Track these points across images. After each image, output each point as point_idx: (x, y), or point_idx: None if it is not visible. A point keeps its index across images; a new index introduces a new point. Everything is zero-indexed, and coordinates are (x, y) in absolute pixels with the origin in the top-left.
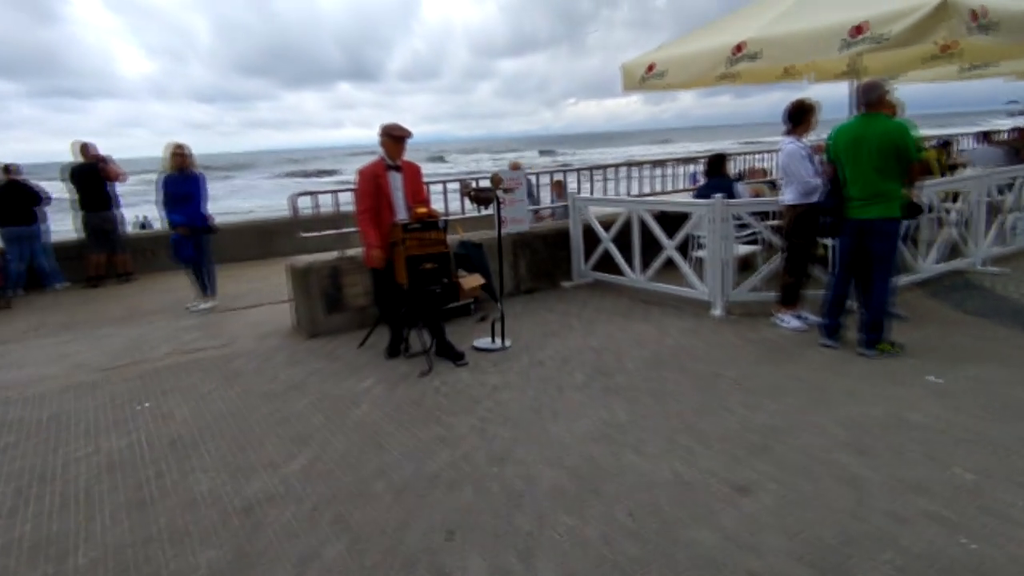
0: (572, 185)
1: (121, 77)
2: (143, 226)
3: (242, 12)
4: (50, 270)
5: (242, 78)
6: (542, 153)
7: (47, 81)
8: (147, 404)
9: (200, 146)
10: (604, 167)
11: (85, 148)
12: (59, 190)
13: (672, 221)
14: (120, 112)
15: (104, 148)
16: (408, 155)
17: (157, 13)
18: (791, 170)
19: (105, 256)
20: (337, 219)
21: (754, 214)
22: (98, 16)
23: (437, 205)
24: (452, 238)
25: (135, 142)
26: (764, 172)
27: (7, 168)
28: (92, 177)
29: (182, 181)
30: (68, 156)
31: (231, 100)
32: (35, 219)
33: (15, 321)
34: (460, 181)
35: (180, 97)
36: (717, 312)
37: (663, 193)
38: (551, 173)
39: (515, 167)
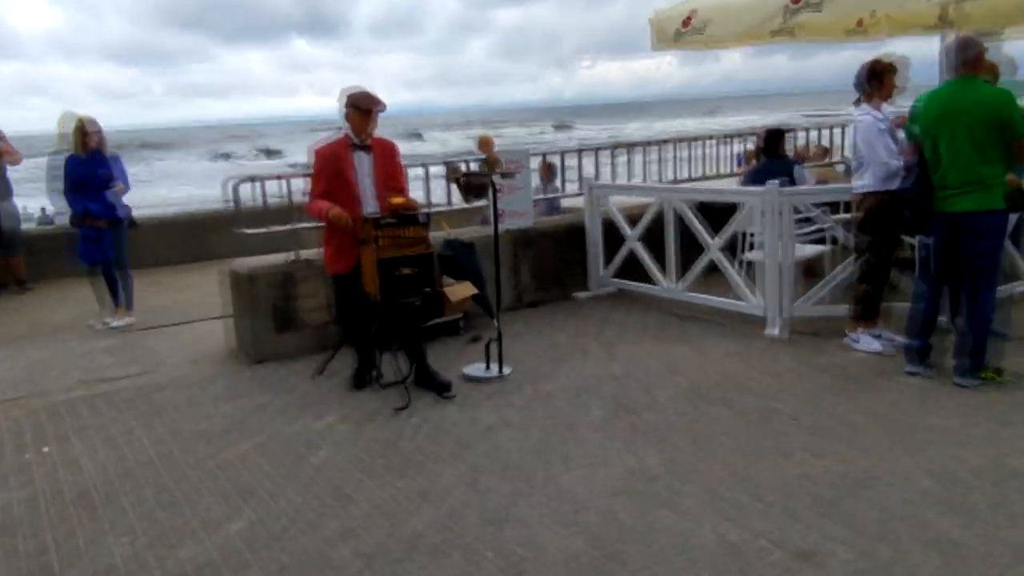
0: (589, 169)
1: (18, 33)
2: (47, 221)
3: None
4: None
5: (171, 33)
6: (557, 128)
7: None
8: (48, 448)
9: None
10: (629, 145)
11: None
12: None
13: (717, 214)
14: (16, 77)
15: None
16: (381, 130)
17: None
18: (866, 149)
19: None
20: (288, 212)
21: (821, 205)
22: None
23: (417, 194)
24: (436, 236)
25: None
26: (824, 152)
27: None
28: None
29: (93, 162)
30: None
31: (157, 61)
32: None
33: None
34: (446, 164)
35: (93, 57)
36: (773, 331)
37: (705, 179)
38: (559, 154)
39: (485, 142)
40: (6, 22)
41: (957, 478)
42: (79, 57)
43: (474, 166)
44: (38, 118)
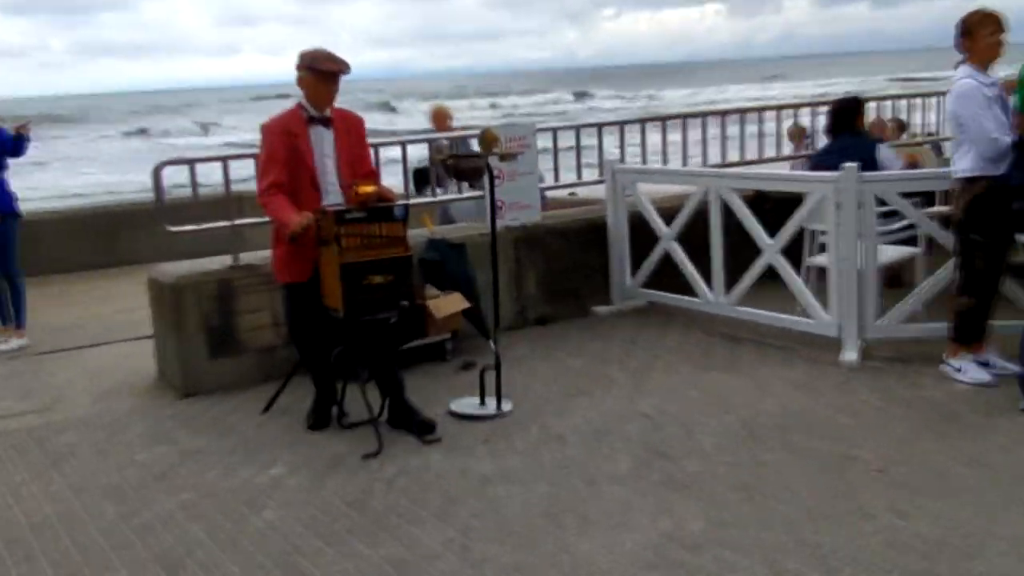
0: (613, 150)
1: None
2: None
3: None
4: None
5: None
6: (577, 96)
7: None
8: None
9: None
10: (664, 119)
11: None
12: None
13: (776, 208)
14: None
15: None
16: (345, 101)
17: None
18: (969, 122)
19: None
20: (228, 204)
21: (910, 196)
22: None
23: (392, 181)
24: (416, 235)
25: None
26: (900, 127)
27: None
28: None
29: None
30: None
31: (58, 10)
32: None
33: None
34: (429, 143)
35: None
36: (850, 356)
37: (759, 162)
38: (574, 129)
39: (439, 116)
40: None
41: None
42: None
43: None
44: None
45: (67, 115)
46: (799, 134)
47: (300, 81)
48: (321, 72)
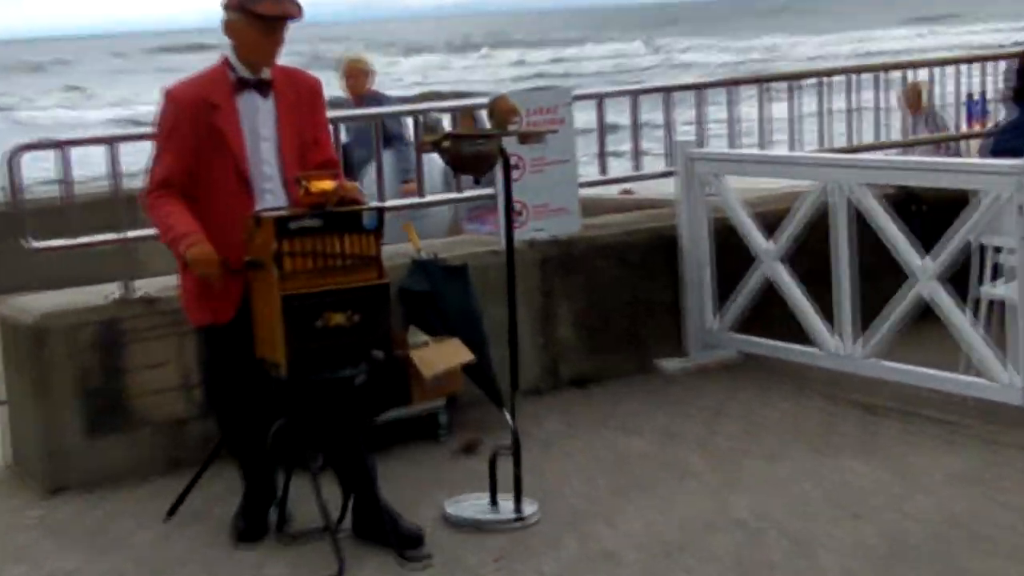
0: (685, 128)
1: None
2: None
3: None
4: None
5: None
6: (648, 47)
7: None
8: None
9: None
10: (761, 81)
11: None
12: None
13: (931, 213)
14: None
15: None
16: (291, 55)
17: None
18: None
19: None
20: (116, 208)
21: None
22: None
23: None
24: (394, 253)
25: None
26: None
27: None
28: None
29: None
30: None
31: None
32: None
33: None
34: (415, 118)
35: None
36: None
37: (904, 145)
38: (630, 96)
39: (353, 72)
40: None
41: None
42: None
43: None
44: None
45: None
46: (916, 98)
47: (228, 27)
48: (260, 16)
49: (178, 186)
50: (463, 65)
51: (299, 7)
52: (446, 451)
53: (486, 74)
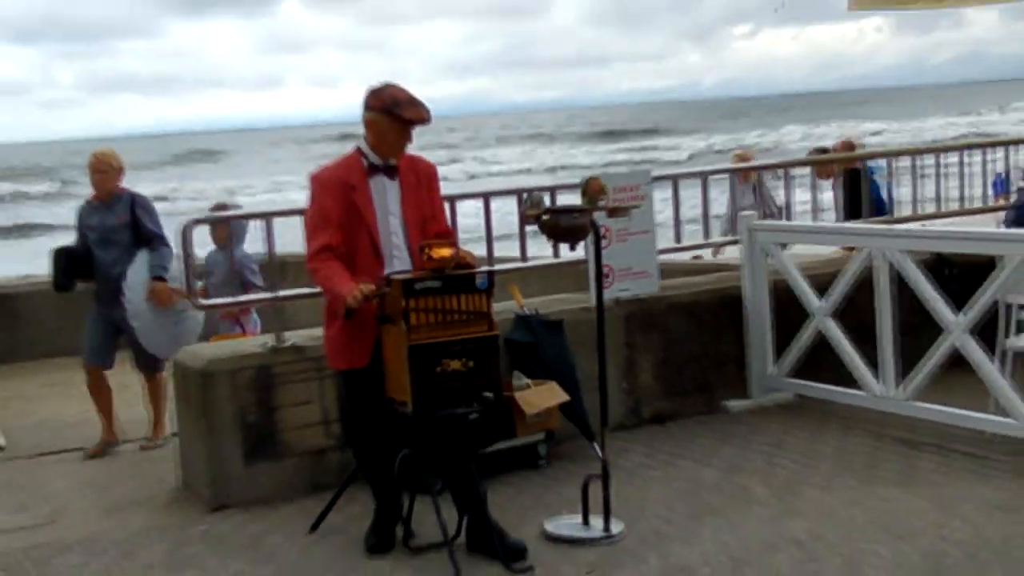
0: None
1: None
2: None
3: None
4: None
5: None
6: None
7: None
8: None
9: None
10: (813, 163)
11: None
12: None
13: (962, 276)
14: None
15: None
16: (418, 143)
17: None
18: None
19: None
20: (270, 271)
21: None
22: None
23: (472, 245)
24: (504, 310)
25: None
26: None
27: None
28: None
29: None
30: None
31: (68, 38)
32: None
33: None
34: (520, 195)
35: None
36: None
37: (939, 216)
38: (701, 177)
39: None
40: None
41: None
42: None
43: (565, 198)
44: None
45: (52, 168)
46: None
47: (369, 123)
48: (400, 119)
49: (334, 250)
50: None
51: (430, 114)
52: (545, 478)
53: (545, 161)
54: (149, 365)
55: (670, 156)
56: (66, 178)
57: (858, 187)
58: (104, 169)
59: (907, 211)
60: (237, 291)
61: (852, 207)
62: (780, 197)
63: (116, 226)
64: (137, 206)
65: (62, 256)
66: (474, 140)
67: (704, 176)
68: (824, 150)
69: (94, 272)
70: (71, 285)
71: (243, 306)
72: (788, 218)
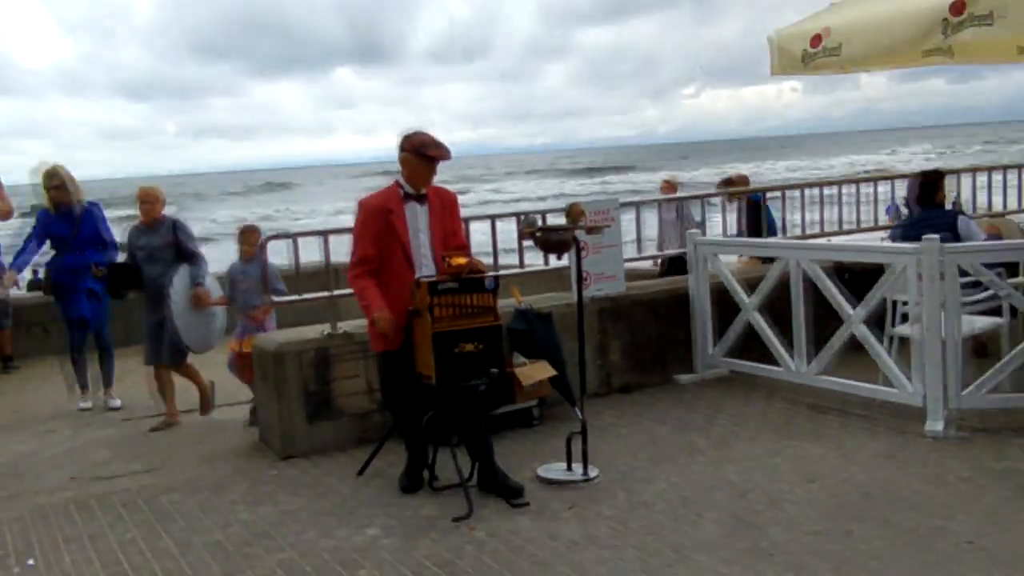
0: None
1: (21, 68)
2: (40, 285)
3: None
4: None
5: (197, 63)
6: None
7: None
8: (34, 561)
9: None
10: (743, 193)
11: None
12: None
13: (857, 279)
14: (14, 118)
15: None
16: (442, 177)
17: None
18: None
19: None
20: (326, 276)
21: (994, 266)
22: None
23: (482, 256)
24: (505, 305)
25: (31, 160)
26: (671, 187)
27: None
28: None
29: (66, 221)
30: None
31: (175, 96)
32: None
33: None
34: (518, 216)
35: (103, 93)
36: (935, 426)
37: (840, 233)
38: (658, 203)
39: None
40: (6, 57)
41: None
42: (87, 91)
43: (553, 220)
44: (33, 163)
45: (176, 191)
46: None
47: (403, 161)
48: (427, 157)
49: (370, 263)
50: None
51: (450, 152)
52: (538, 434)
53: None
54: (175, 357)
55: (635, 187)
56: (168, 203)
57: (758, 213)
58: (151, 201)
59: (815, 230)
60: (263, 296)
61: (754, 228)
62: (697, 214)
63: (161, 246)
64: (178, 229)
65: (117, 271)
66: (485, 175)
67: (659, 203)
68: (729, 180)
69: (143, 284)
70: (124, 294)
71: (301, 302)
72: (704, 233)
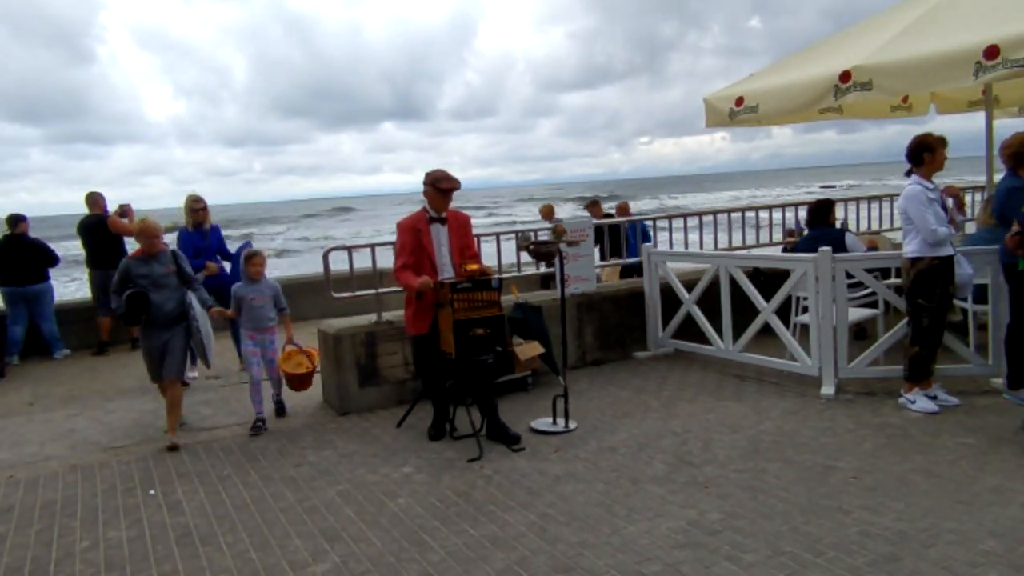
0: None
1: (147, 121)
2: None
3: (284, 48)
4: (52, 337)
5: (278, 119)
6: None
7: (70, 125)
8: (154, 491)
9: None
10: (685, 216)
11: (92, 199)
12: (77, 246)
13: (769, 281)
14: (140, 159)
15: (119, 198)
16: (455, 204)
17: (193, 51)
18: (915, 216)
19: (113, 319)
20: (374, 278)
21: (871, 271)
22: (131, 56)
23: (490, 261)
24: (507, 300)
25: (152, 191)
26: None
27: (16, 220)
28: (100, 231)
29: (201, 236)
30: (82, 208)
31: (261, 143)
32: (44, 278)
33: (11, 393)
34: (516, 233)
35: (208, 141)
36: (827, 390)
37: (756, 246)
38: (622, 224)
39: (548, 212)
40: (138, 112)
41: (1021, 538)
42: (196, 140)
43: (543, 236)
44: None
45: (256, 218)
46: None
47: (425, 193)
48: (441, 190)
49: (407, 266)
50: (524, 208)
51: (460, 183)
52: (531, 396)
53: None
54: (182, 371)
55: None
56: (252, 223)
57: (617, 234)
58: (155, 235)
59: (737, 243)
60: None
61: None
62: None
63: (165, 273)
64: (178, 258)
65: (132, 300)
66: (492, 204)
67: (622, 224)
68: (595, 201)
69: (150, 310)
70: (138, 320)
71: (364, 296)
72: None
